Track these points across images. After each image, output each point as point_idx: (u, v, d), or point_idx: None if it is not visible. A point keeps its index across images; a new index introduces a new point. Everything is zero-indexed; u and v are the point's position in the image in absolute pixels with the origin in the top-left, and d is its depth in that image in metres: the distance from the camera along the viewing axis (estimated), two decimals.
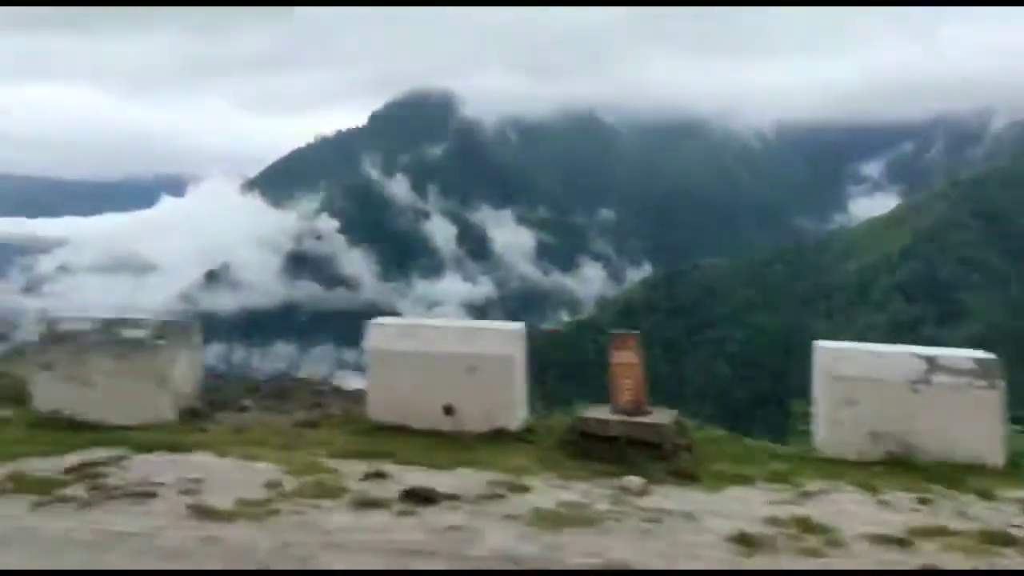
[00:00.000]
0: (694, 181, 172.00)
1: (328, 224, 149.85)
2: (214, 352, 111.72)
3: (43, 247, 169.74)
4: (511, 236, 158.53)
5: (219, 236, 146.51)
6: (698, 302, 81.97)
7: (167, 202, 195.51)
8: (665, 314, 79.58)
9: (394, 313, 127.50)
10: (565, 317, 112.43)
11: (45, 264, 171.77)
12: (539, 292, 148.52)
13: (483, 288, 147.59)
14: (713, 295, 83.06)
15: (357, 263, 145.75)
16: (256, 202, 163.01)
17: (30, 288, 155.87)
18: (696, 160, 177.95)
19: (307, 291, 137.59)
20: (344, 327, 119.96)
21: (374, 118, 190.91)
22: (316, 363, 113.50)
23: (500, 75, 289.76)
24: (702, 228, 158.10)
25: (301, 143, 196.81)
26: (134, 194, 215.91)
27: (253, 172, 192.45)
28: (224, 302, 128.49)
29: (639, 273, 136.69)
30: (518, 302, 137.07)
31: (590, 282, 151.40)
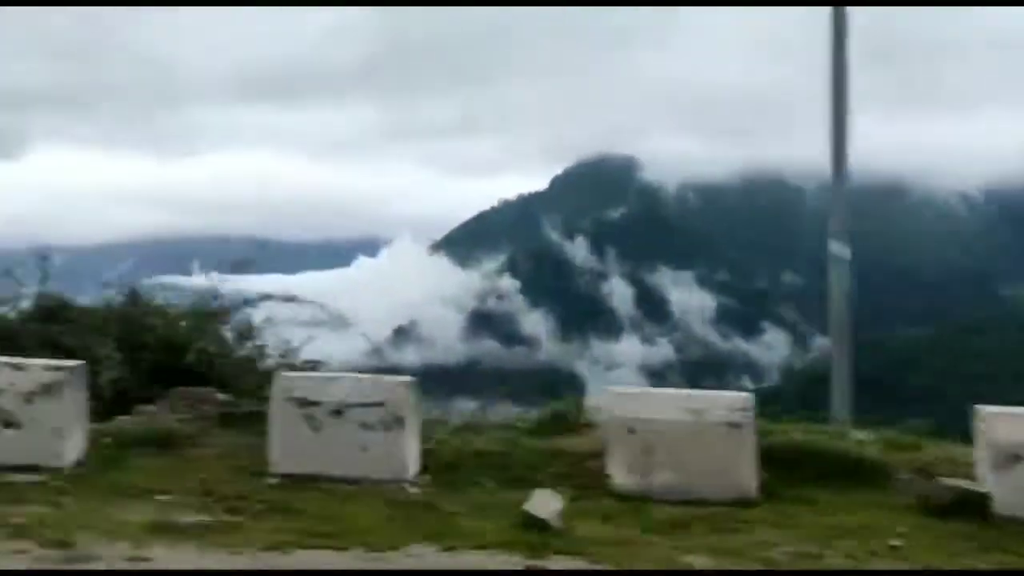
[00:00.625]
0: (890, 245, 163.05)
1: (509, 284, 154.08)
2: None
3: (251, 302, 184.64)
4: (691, 299, 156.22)
5: (408, 294, 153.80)
6: (893, 374, 77.36)
7: (362, 262, 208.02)
8: (857, 385, 75.51)
9: (572, 374, 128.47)
10: (748, 384, 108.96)
11: (255, 318, 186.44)
12: (719, 357, 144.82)
13: (661, 351, 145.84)
14: (911, 367, 78.20)
15: (536, 323, 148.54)
16: (443, 262, 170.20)
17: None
18: (893, 223, 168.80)
19: (488, 349, 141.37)
20: (522, 385, 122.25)
21: (555, 182, 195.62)
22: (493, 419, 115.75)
23: (680, 138, 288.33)
24: (899, 295, 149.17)
25: (485, 206, 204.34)
26: (332, 254, 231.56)
27: (440, 233, 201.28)
28: (410, 357, 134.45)
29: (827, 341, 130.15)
30: (697, 366, 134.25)
31: (773, 349, 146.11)
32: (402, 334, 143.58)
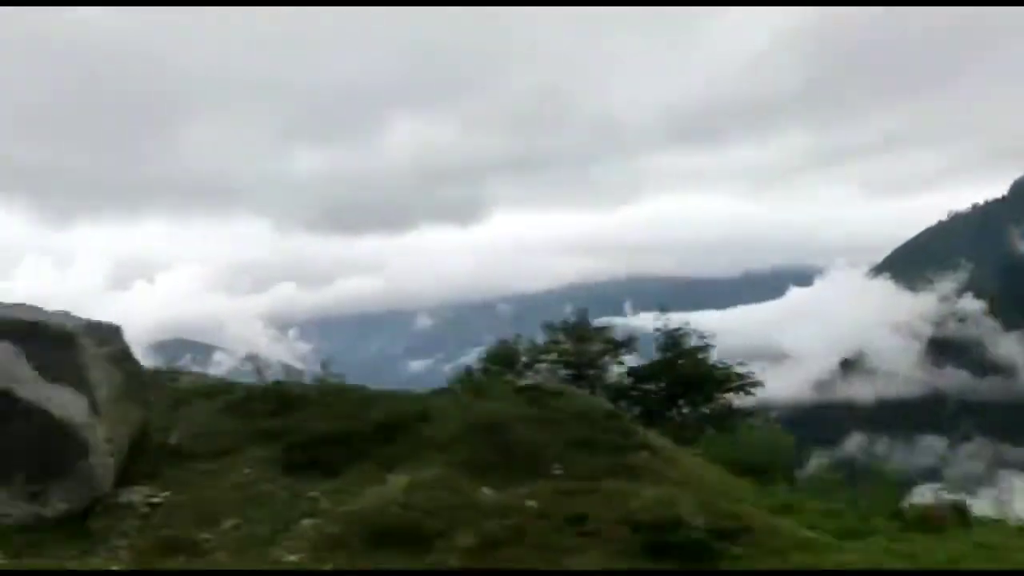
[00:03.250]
0: None
1: (972, 305, 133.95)
2: (855, 442, 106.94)
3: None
4: None
5: (850, 323, 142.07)
6: None
7: (794, 292, 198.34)
8: None
9: None
10: None
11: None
12: None
13: None
14: None
15: (1012, 347, 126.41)
16: (887, 286, 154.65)
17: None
18: None
19: (954, 379, 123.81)
20: (1000, 419, 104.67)
21: (1017, 186, 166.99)
22: (968, 460, 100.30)
23: None
24: None
25: (930, 222, 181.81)
26: (762, 287, 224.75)
27: (879, 257, 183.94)
28: (862, 391, 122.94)
29: None
30: None
31: None
32: (849, 366, 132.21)
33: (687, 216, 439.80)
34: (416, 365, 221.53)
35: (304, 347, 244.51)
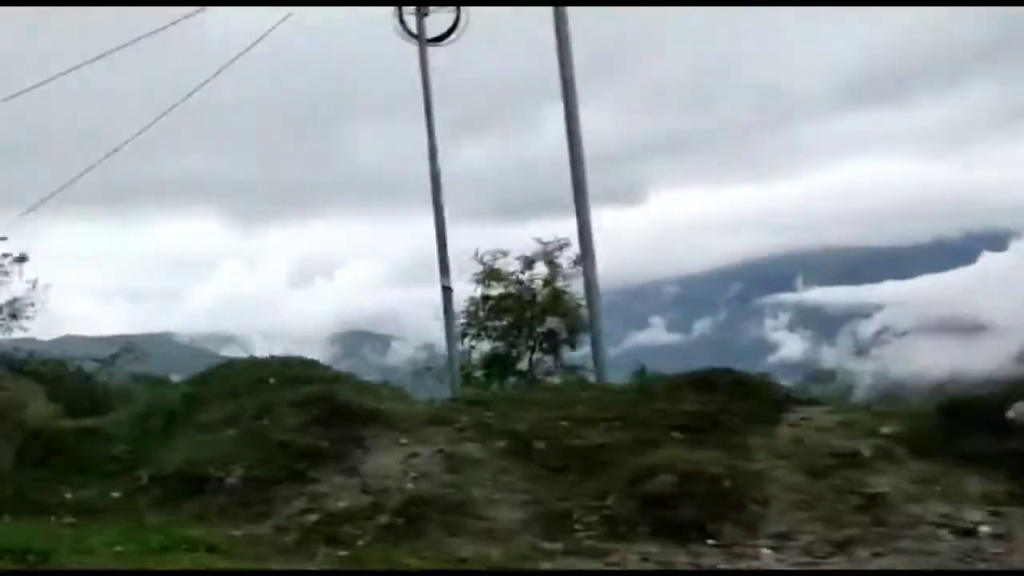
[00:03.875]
0: None
1: None
2: None
3: (864, 312, 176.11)
4: None
5: None
6: None
7: (988, 259, 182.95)
8: None
9: None
10: None
11: (867, 328, 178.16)
12: None
13: None
14: None
15: None
16: None
17: (860, 351, 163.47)
18: None
19: None
20: None
21: None
22: None
23: None
24: None
25: None
26: (951, 254, 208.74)
27: None
28: None
29: None
30: None
31: None
32: None
33: (866, 182, 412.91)
34: (580, 348, 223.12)
35: None
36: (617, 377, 15.69)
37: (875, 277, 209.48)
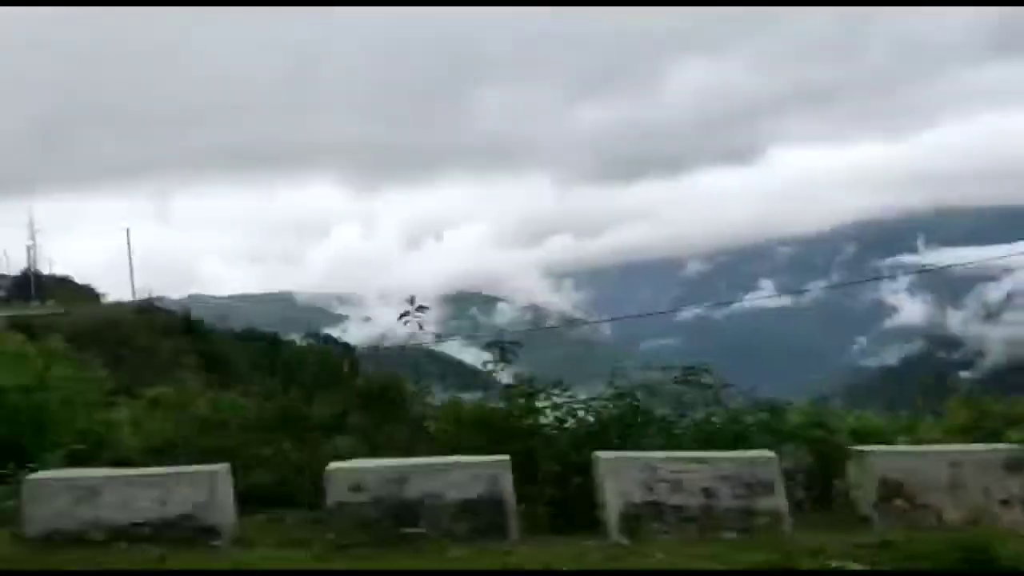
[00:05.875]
0: None
1: None
2: None
3: (992, 275, 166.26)
4: None
5: None
6: None
7: None
8: None
9: None
10: None
11: (996, 292, 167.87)
12: None
13: None
14: None
15: None
16: None
17: (989, 316, 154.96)
18: None
19: None
20: None
21: None
22: None
23: None
24: None
25: None
26: None
27: None
28: None
29: None
30: None
31: None
32: None
33: (1003, 137, 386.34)
34: (686, 314, 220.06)
35: (579, 296, 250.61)
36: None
37: (1004, 238, 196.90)
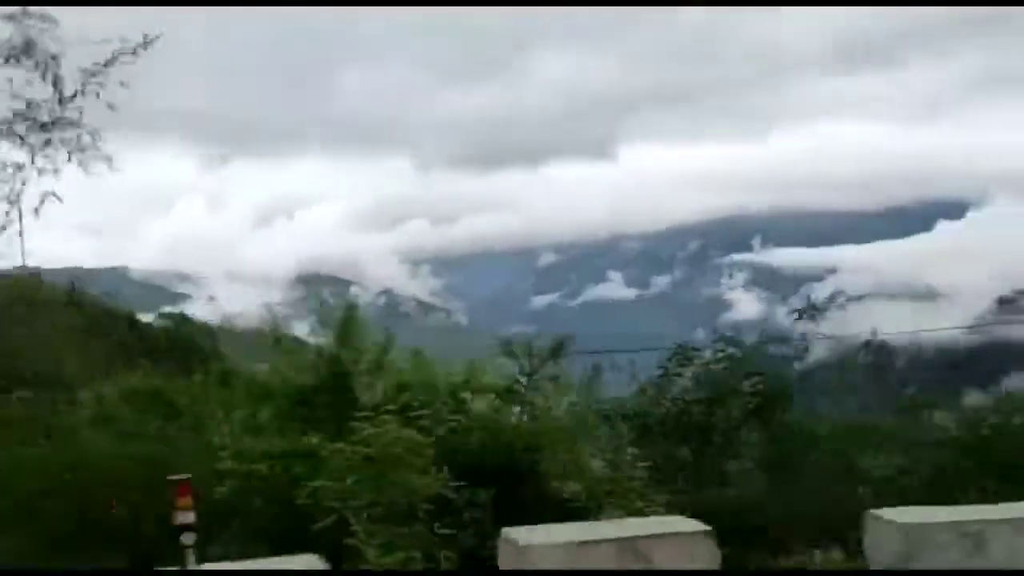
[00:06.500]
0: None
1: None
2: (1014, 384, 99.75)
3: (819, 275, 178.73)
4: None
5: (1010, 260, 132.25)
6: None
7: (944, 227, 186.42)
8: None
9: None
10: None
11: (821, 291, 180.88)
12: None
13: None
14: None
15: None
16: None
17: (814, 313, 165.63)
18: None
19: None
20: None
21: None
22: None
23: None
24: None
25: None
26: (904, 221, 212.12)
27: None
28: (1021, 331, 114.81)
29: None
30: None
31: None
32: (1008, 305, 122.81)
33: (837, 146, 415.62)
34: (539, 300, 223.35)
35: (436, 283, 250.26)
36: None
37: (832, 241, 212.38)
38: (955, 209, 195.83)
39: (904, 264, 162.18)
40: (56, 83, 6.46)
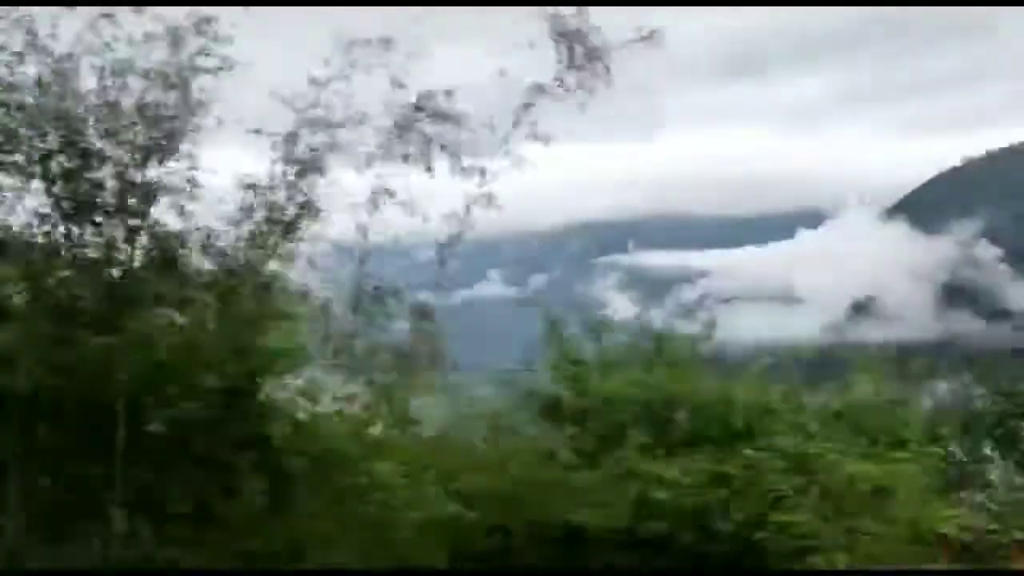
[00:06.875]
0: None
1: (989, 252, 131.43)
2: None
3: (689, 278, 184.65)
4: None
5: (863, 267, 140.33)
6: None
7: (804, 235, 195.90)
8: None
9: None
10: None
11: (691, 293, 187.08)
12: None
13: None
14: None
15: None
16: (902, 230, 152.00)
17: (684, 315, 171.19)
18: None
19: (966, 325, 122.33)
20: (1010, 367, 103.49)
21: None
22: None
23: None
24: None
25: (954, 164, 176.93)
26: (770, 228, 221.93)
27: (896, 200, 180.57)
28: (873, 334, 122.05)
29: None
30: None
31: None
32: (861, 309, 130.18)
33: (710, 152, 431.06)
34: (420, 297, 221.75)
35: (314, 274, 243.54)
36: None
37: (703, 245, 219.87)
38: (815, 218, 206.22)
39: (768, 269, 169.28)
40: None
